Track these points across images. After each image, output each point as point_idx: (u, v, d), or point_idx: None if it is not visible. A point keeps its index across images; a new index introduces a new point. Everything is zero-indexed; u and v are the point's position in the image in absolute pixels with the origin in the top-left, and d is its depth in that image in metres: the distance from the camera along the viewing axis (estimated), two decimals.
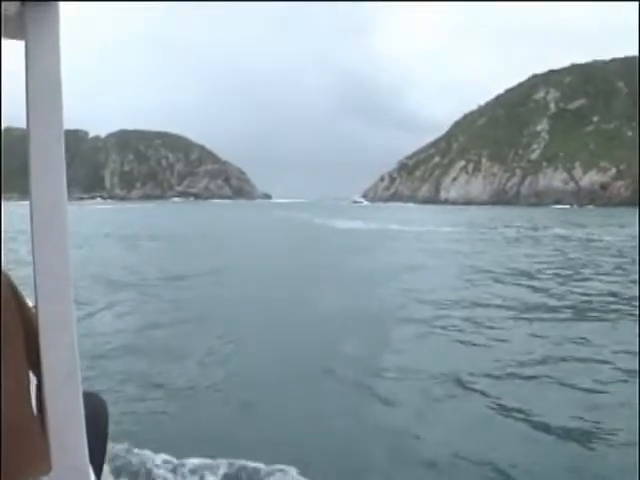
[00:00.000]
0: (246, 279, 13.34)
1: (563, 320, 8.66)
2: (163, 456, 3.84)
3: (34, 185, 0.99)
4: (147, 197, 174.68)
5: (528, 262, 16.85)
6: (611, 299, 10.46)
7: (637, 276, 12.94)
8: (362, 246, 22.37)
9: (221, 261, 16.53)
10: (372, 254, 18.88)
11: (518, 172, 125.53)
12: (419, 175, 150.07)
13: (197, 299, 10.51)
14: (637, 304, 9.50)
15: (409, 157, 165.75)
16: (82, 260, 15.66)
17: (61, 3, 0.99)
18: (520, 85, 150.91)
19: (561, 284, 12.45)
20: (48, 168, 1.00)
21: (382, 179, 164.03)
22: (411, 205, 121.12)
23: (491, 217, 54.22)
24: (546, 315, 9.03)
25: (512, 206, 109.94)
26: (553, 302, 10.23)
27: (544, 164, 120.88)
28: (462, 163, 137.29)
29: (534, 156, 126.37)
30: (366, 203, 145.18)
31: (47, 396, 1.21)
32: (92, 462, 1.20)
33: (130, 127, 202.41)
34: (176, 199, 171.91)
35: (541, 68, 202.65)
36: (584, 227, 36.40)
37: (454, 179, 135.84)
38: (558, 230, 33.55)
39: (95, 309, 9.25)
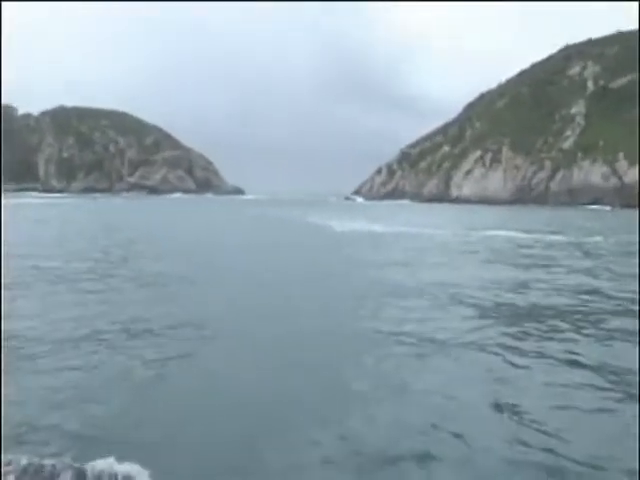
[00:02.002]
0: (239, 348, 9.33)
1: None
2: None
3: None
4: (91, 190, 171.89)
5: None
6: None
7: None
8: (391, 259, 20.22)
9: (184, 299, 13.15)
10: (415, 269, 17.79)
11: (547, 164, 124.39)
12: (424, 167, 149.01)
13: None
14: None
15: (412, 145, 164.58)
16: None
17: None
18: (550, 58, 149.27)
19: None
20: None
21: (379, 172, 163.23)
22: (417, 204, 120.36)
23: (534, 219, 53.70)
24: None
25: (538, 205, 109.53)
26: None
27: (579, 155, 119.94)
28: (477, 153, 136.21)
29: (567, 145, 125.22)
30: (360, 200, 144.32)
31: None
32: None
33: (70, 103, 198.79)
34: (127, 193, 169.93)
35: (577, 37, 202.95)
36: None
37: (467, 173, 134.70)
38: None
39: None
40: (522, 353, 8.91)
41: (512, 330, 10.39)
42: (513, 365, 8.24)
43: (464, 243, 30.13)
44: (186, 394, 6.98)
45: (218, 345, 9.09)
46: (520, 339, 9.73)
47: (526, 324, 10.88)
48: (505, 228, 41.09)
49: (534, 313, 12.23)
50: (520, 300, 13.72)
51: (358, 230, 38.42)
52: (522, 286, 15.58)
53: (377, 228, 40.50)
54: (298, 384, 7.49)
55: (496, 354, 8.63)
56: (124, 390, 6.95)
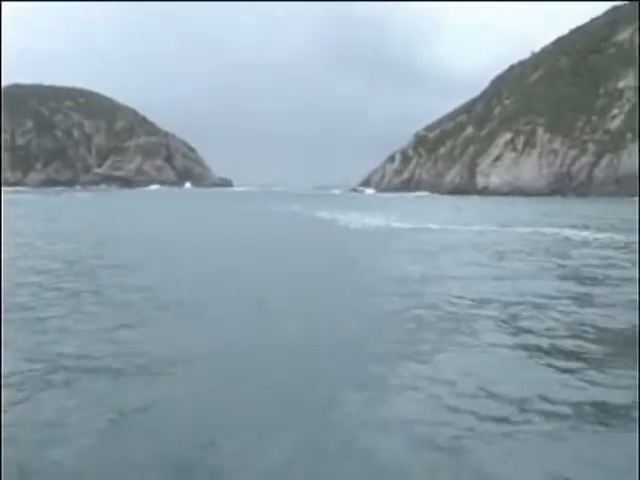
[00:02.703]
0: None
1: None
2: None
3: None
4: (52, 183, 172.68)
5: None
6: None
7: None
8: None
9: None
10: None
11: (590, 148, 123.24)
12: (445, 153, 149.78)
13: None
14: None
15: (430, 127, 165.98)
16: None
17: None
18: (593, 22, 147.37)
19: None
20: None
21: (392, 159, 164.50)
22: (438, 197, 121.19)
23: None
24: None
25: (579, 197, 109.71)
26: None
27: (629, 137, 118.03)
28: (508, 136, 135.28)
29: (614, 125, 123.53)
30: (370, 192, 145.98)
31: None
32: None
33: (28, 80, 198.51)
34: (95, 186, 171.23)
35: None
36: None
37: (496, 159, 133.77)
38: None
39: None
40: None
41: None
42: None
43: (508, 243, 28.29)
44: None
45: None
46: None
47: None
48: (552, 224, 39.45)
49: None
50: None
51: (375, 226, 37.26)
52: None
53: (398, 225, 39.49)
54: None
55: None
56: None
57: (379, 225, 39.53)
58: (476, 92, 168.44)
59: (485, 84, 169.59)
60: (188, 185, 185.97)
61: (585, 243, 27.77)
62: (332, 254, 24.59)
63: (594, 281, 16.99)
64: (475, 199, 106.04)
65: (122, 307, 12.53)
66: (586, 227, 36.56)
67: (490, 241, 28.54)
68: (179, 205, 74.82)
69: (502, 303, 13.18)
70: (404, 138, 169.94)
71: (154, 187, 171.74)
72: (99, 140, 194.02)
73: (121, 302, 13.02)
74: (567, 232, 33.44)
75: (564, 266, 20.07)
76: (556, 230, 34.70)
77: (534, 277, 17.66)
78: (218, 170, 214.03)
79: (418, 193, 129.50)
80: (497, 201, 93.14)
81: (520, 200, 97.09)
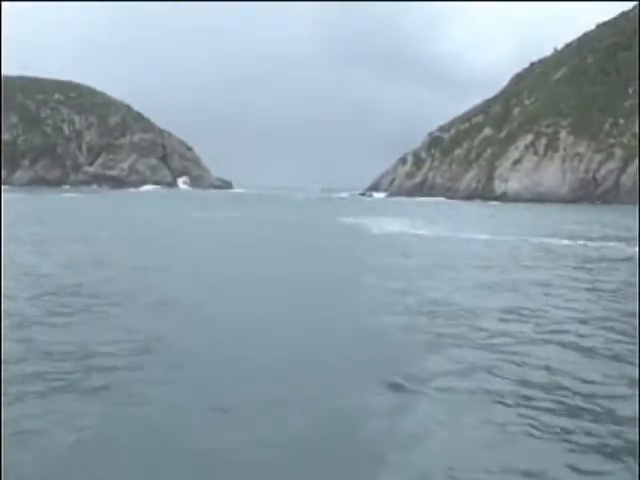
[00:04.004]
0: None
1: None
2: None
3: None
4: (40, 181, 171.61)
5: None
6: None
7: None
8: None
9: None
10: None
11: (617, 153, 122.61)
12: (460, 155, 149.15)
13: None
14: None
15: (444, 128, 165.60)
16: None
17: None
18: (623, 16, 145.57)
19: None
20: None
21: (403, 161, 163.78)
22: (455, 202, 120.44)
23: None
24: None
25: (605, 204, 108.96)
26: None
27: None
28: (529, 138, 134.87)
29: None
30: (379, 196, 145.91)
31: None
32: None
33: (14, 73, 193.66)
34: (87, 187, 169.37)
35: None
36: None
37: (516, 162, 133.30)
38: None
39: None
40: None
41: None
42: None
43: (546, 254, 28.23)
44: None
45: None
46: None
47: None
48: (596, 237, 38.27)
49: None
50: None
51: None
52: None
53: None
54: None
55: None
56: None
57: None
58: (494, 91, 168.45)
59: (503, 82, 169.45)
60: (183, 186, 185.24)
61: None
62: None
63: None
64: (497, 205, 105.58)
65: None
66: None
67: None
68: (169, 210, 72.29)
69: None
70: (416, 139, 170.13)
71: (147, 188, 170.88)
72: (90, 137, 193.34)
73: None
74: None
75: None
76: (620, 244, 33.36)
77: None
78: (217, 171, 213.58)
79: (434, 199, 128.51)
80: (526, 208, 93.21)
81: (544, 207, 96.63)
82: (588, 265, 24.45)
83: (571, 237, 37.08)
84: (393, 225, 45.97)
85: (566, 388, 8.97)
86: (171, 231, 38.53)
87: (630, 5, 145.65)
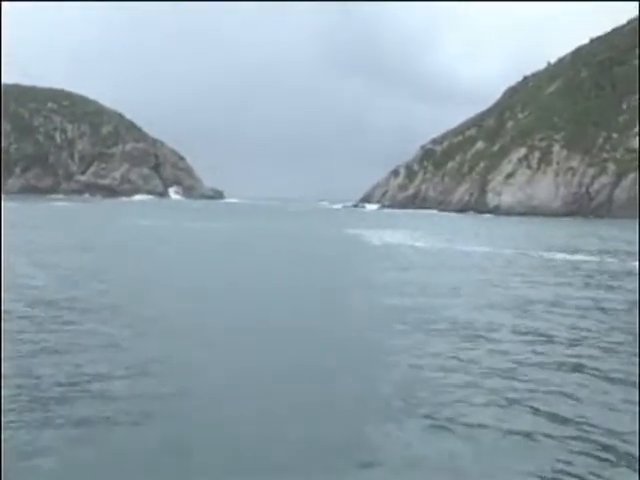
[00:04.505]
0: None
1: None
2: None
3: None
4: (32, 190, 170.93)
5: None
6: None
7: None
8: None
9: None
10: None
11: (611, 167, 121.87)
12: (453, 168, 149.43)
13: None
14: None
15: (437, 140, 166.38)
16: None
17: None
18: (616, 31, 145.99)
19: None
20: None
21: (396, 174, 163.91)
22: (448, 214, 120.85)
23: None
24: None
25: (598, 218, 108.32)
26: None
27: None
28: (522, 152, 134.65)
29: (637, 143, 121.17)
30: (372, 208, 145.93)
31: None
32: None
33: (8, 81, 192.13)
34: (79, 196, 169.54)
35: None
36: None
37: (509, 176, 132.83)
38: None
39: None
40: None
41: None
42: None
43: (547, 269, 27.85)
44: None
45: None
46: None
47: None
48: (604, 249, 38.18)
49: None
50: None
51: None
52: None
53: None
54: None
55: None
56: None
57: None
58: (488, 103, 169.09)
59: (497, 96, 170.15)
60: (175, 196, 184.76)
61: None
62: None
63: None
64: (491, 218, 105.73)
65: None
66: None
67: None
68: (162, 220, 71.75)
69: None
70: (409, 151, 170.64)
71: (139, 197, 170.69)
72: (82, 146, 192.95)
73: None
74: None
75: None
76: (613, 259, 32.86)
77: None
78: (208, 180, 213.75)
79: (426, 211, 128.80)
80: (520, 221, 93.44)
81: (538, 221, 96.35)
82: (589, 280, 24.11)
83: (570, 251, 36.75)
84: (392, 237, 46.03)
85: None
86: (166, 241, 38.15)
87: (624, 20, 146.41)
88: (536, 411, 8.76)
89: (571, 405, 8.99)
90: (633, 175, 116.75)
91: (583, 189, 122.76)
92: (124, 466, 6.88)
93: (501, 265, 29.00)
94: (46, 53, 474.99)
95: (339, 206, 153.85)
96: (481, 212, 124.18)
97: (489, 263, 29.88)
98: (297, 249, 36.31)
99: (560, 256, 33.62)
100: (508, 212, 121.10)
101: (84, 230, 46.60)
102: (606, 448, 7.43)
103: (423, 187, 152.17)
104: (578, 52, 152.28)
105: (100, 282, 19.46)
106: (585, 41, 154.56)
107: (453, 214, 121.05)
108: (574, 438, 7.71)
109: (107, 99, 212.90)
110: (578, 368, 11.06)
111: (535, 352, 12.06)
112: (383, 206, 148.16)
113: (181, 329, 13.28)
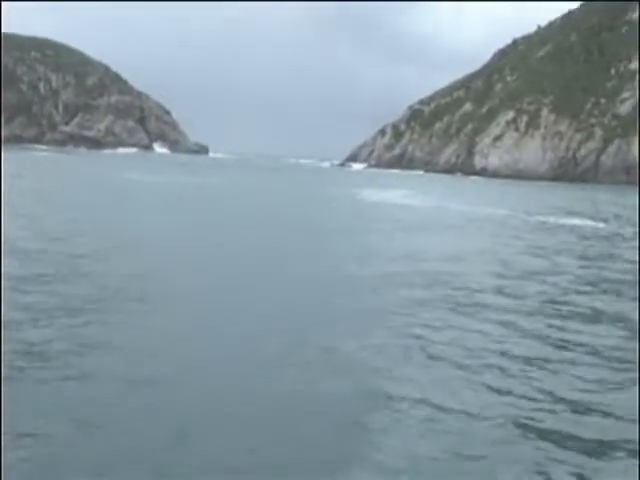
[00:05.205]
0: None
1: None
2: None
3: None
4: (15, 140, 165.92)
5: None
6: None
7: None
8: None
9: None
10: None
11: (598, 133, 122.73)
12: (440, 129, 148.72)
13: None
14: None
15: (425, 101, 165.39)
16: None
17: None
18: None
19: None
20: None
21: (382, 133, 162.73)
22: (435, 175, 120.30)
23: None
24: None
25: (584, 184, 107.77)
26: None
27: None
28: (510, 115, 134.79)
29: (624, 109, 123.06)
30: (358, 167, 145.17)
31: None
32: None
33: None
34: (62, 147, 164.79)
35: None
36: None
37: (496, 139, 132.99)
38: None
39: None
40: None
41: None
42: None
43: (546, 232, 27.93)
44: None
45: None
46: None
47: None
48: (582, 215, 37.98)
49: None
50: None
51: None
52: None
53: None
54: None
55: None
56: None
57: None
58: (477, 66, 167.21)
59: (485, 58, 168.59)
60: (161, 149, 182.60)
61: None
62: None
63: None
64: (480, 180, 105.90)
65: None
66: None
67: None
68: (151, 175, 70.59)
69: None
70: (396, 112, 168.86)
71: (123, 150, 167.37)
72: (67, 96, 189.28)
73: None
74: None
75: None
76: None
77: None
78: (193, 136, 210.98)
79: (413, 172, 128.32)
80: (508, 183, 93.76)
81: (525, 184, 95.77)
82: (588, 243, 24.18)
83: (566, 214, 36.96)
84: (390, 195, 46.22)
85: None
86: (164, 200, 37.40)
87: None
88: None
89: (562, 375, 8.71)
90: (618, 141, 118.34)
91: (570, 154, 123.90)
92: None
93: (497, 225, 29.25)
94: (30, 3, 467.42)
95: (327, 164, 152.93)
96: (467, 174, 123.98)
97: (488, 224, 29.91)
98: (296, 208, 36.02)
99: (553, 219, 33.65)
100: (494, 174, 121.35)
101: (73, 190, 44.70)
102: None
103: (410, 147, 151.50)
104: (568, 16, 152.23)
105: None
106: (576, 5, 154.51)
107: (440, 175, 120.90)
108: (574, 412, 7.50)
109: (92, 51, 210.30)
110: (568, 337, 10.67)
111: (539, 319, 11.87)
112: (369, 165, 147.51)
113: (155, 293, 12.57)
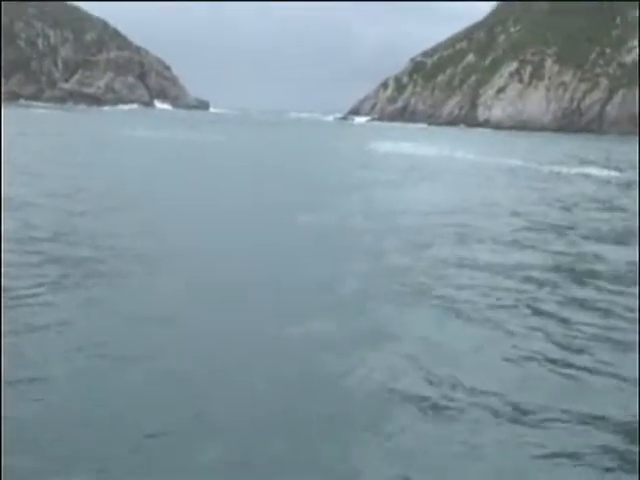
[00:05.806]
0: None
1: None
2: None
3: None
4: (14, 97, 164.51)
5: None
6: None
7: None
8: None
9: None
10: None
11: (603, 83, 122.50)
12: (443, 82, 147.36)
13: None
14: None
15: (427, 54, 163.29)
16: None
17: None
18: None
19: None
20: None
21: (385, 86, 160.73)
22: (438, 128, 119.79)
23: None
24: None
25: (589, 134, 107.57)
26: None
27: None
28: (513, 66, 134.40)
29: (630, 59, 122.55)
30: (360, 120, 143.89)
31: None
32: None
33: None
34: (61, 104, 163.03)
35: None
36: None
37: (500, 90, 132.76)
38: None
39: None
40: None
41: None
42: None
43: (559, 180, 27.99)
44: None
45: None
46: None
47: None
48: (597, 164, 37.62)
49: None
50: None
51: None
52: None
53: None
54: None
55: None
56: None
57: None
58: (479, 16, 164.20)
59: (491, 7, 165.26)
60: (162, 105, 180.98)
61: None
62: None
63: None
64: (486, 132, 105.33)
65: None
66: None
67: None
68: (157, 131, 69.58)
69: None
70: (398, 65, 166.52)
71: (124, 107, 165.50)
72: (66, 52, 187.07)
73: None
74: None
75: None
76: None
77: None
78: (194, 91, 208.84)
79: (417, 125, 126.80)
80: (514, 135, 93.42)
81: (536, 135, 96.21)
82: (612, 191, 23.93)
83: (583, 163, 36.29)
84: (406, 147, 46.16)
85: None
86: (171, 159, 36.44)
87: None
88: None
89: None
90: (623, 91, 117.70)
91: (574, 104, 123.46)
92: None
93: (511, 175, 29.26)
94: None
95: (330, 118, 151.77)
96: (471, 126, 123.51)
97: (505, 174, 29.67)
98: (305, 163, 34.83)
99: (566, 169, 33.26)
100: (497, 126, 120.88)
101: (73, 147, 43.79)
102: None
103: (412, 100, 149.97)
104: None
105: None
106: None
107: (443, 127, 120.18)
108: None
109: (89, 5, 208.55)
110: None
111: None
112: (372, 119, 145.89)
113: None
